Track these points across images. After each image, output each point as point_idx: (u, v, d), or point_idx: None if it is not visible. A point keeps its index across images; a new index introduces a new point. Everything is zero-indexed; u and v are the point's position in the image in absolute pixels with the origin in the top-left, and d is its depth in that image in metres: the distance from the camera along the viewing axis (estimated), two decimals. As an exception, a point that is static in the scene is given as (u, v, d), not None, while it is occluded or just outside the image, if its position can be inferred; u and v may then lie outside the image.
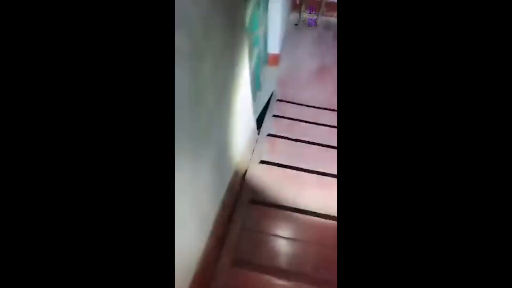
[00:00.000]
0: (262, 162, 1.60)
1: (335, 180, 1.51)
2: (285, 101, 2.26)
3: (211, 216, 1.14)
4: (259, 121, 1.93)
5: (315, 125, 1.94)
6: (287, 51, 2.63)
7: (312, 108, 2.19)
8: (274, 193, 1.44)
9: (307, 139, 1.80)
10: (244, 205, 1.35)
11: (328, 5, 2.67)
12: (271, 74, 2.48)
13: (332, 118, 2.10)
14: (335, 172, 1.55)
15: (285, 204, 1.40)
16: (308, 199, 1.42)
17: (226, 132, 1.21)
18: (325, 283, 1.11)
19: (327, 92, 2.40)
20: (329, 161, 1.57)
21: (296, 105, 2.20)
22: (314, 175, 1.55)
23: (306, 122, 1.98)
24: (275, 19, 2.08)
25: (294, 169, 1.56)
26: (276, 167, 1.57)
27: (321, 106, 2.28)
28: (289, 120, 1.98)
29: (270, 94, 2.31)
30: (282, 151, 1.72)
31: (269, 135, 1.82)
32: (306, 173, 1.53)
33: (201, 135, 0.93)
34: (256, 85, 2.20)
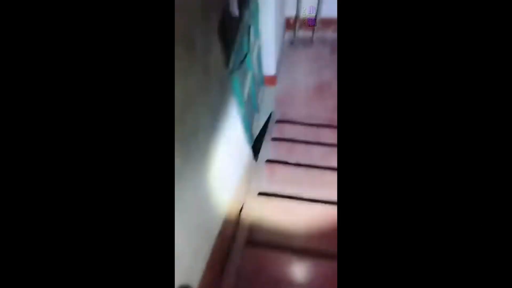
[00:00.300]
0: (261, 194, 1.52)
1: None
2: (284, 121, 2.21)
3: (198, 271, 1.00)
4: (258, 145, 1.88)
5: (316, 145, 1.87)
6: (284, 70, 2.61)
7: (312, 127, 2.12)
8: (274, 231, 1.33)
9: (308, 162, 1.73)
10: (240, 249, 1.23)
11: (323, 21, 2.65)
12: (268, 95, 2.45)
13: (333, 136, 2.03)
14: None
15: (287, 243, 1.27)
16: (310, 233, 1.31)
17: (215, 171, 1.13)
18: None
19: (327, 109, 2.34)
20: (332, 185, 1.49)
21: (296, 124, 2.14)
22: (319, 205, 1.45)
23: (306, 142, 1.91)
24: (269, 40, 2.06)
25: (295, 199, 1.47)
26: (276, 199, 1.48)
27: (321, 123, 2.22)
28: (289, 142, 1.92)
29: (268, 115, 2.27)
30: (283, 179, 1.64)
31: (268, 161, 1.75)
32: (308, 203, 1.44)
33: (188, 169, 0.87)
34: (253, 107, 2.17)
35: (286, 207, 1.42)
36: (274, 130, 2.06)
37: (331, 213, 1.38)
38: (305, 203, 1.43)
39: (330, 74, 2.55)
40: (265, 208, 1.39)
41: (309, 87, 2.50)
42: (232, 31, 1.20)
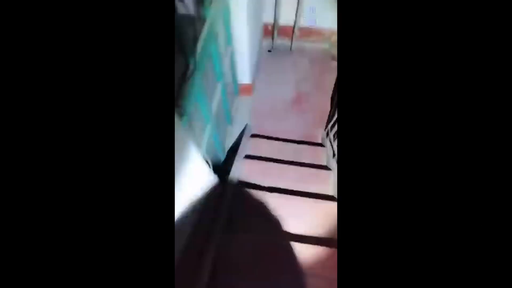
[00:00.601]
0: (228, 229, 1.24)
1: (323, 250, 1.17)
2: (260, 136, 2.01)
3: None
4: (229, 163, 1.66)
5: (294, 166, 1.68)
6: (261, 79, 2.43)
7: (291, 144, 1.94)
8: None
9: (285, 185, 1.53)
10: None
11: (302, 30, 2.51)
12: (244, 105, 2.25)
13: (313, 154, 1.86)
14: (320, 233, 1.27)
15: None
16: None
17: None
18: None
19: (306, 123, 2.18)
20: (309, 217, 1.29)
21: (272, 140, 1.95)
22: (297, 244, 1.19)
23: (283, 162, 1.72)
24: (243, 48, 1.87)
25: (268, 244, 1.19)
26: (246, 240, 1.19)
27: (300, 140, 2.05)
28: (264, 163, 1.72)
29: (243, 127, 2.07)
30: (255, 208, 1.39)
31: (240, 183, 1.54)
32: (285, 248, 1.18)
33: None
34: (226, 119, 1.95)
35: (259, 250, 1.17)
36: (248, 146, 1.86)
37: (308, 251, 1.17)
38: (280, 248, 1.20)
39: (310, 86, 2.41)
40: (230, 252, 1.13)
41: (287, 99, 2.34)
42: (187, 32, 0.99)
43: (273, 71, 2.50)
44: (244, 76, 2.12)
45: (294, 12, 2.40)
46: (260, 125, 2.15)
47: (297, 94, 2.36)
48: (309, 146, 1.90)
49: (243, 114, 2.20)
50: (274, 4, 2.36)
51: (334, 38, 2.55)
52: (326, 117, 2.14)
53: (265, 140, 1.93)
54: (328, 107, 2.24)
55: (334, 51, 2.57)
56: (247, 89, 2.25)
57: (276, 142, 1.92)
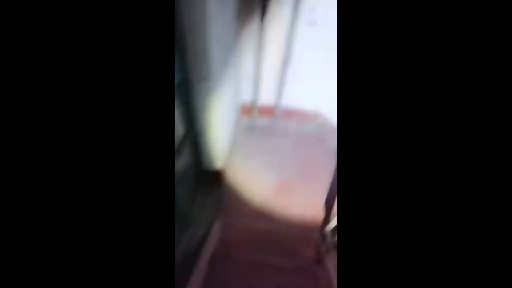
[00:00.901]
0: None
1: None
2: (228, 243, 1.46)
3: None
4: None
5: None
6: (237, 163, 2.01)
7: (271, 268, 1.37)
8: None
9: None
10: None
11: (285, 110, 2.26)
12: (211, 197, 1.76)
13: (306, 285, 1.29)
14: None
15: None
16: None
17: None
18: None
19: (292, 221, 1.68)
20: None
21: (246, 264, 1.38)
22: None
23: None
24: (213, 127, 1.50)
25: None
26: None
27: (284, 250, 1.51)
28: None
29: (205, 231, 1.52)
30: None
31: None
32: None
33: None
34: (182, 221, 1.42)
35: None
36: (208, 267, 1.28)
37: None
38: None
39: (294, 171, 2.00)
40: None
41: (268, 188, 1.88)
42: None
43: (251, 154, 2.12)
44: (215, 160, 1.69)
45: (276, 90, 2.17)
46: (232, 223, 1.62)
47: (280, 182, 1.93)
48: (298, 276, 1.34)
49: (210, 210, 1.69)
50: (253, 81, 2.14)
51: (319, 119, 2.29)
52: (317, 215, 1.66)
53: (231, 264, 1.34)
54: (317, 201, 1.79)
55: (320, 133, 2.28)
56: (217, 177, 1.79)
57: (251, 266, 1.35)
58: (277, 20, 1.83)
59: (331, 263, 1.27)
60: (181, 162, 1.31)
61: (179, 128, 1.21)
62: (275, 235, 1.60)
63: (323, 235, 1.39)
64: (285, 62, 1.99)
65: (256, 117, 2.32)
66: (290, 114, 2.30)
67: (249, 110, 2.31)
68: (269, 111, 2.29)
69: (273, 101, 2.23)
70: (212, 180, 1.78)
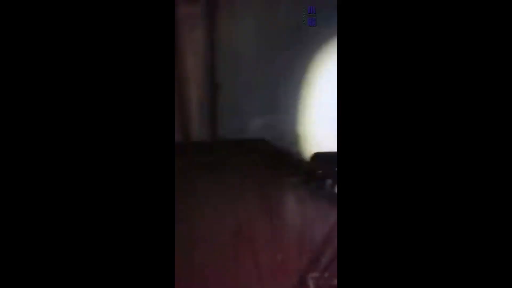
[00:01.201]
0: None
1: None
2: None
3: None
4: None
5: None
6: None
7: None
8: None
9: None
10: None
11: (226, 142, 2.06)
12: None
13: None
14: None
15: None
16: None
17: None
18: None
19: (265, 272, 1.45)
20: None
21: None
22: None
23: None
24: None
25: None
26: None
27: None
28: None
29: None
30: None
31: None
32: None
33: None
34: None
35: None
36: None
37: None
38: None
39: (251, 210, 1.80)
40: None
41: (226, 232, 1.61)
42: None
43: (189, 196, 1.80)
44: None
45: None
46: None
47: (237, 223, 1.69)
48: None
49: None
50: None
51: (265, 148, 2.19)
52: (294, 253, 1.49)
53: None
54: (289, 234, 1.64)
55: (267, 161, 2.17)
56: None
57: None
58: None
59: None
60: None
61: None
62: None
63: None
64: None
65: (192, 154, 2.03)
66: (232, 145, 2.12)
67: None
68: (206, 146, 2.05)
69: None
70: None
